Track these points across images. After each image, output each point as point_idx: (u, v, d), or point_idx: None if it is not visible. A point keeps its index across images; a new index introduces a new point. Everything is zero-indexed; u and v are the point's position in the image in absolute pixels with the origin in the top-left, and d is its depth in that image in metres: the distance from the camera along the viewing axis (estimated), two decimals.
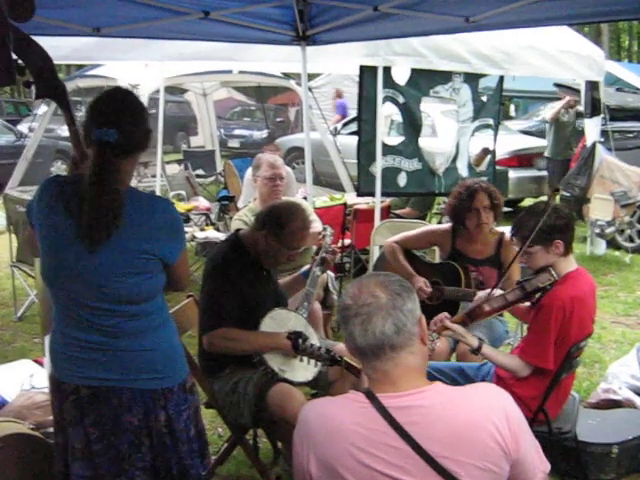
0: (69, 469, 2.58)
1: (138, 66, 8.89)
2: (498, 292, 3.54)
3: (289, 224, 3.61)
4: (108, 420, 2.53)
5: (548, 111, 11.61)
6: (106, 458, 2.54)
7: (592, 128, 8.88)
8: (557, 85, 11.54)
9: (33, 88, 2.70)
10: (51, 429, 3.64)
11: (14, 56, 2.58)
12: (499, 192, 4.56)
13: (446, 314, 3.47)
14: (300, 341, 3.42)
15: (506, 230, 4.77)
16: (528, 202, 11.24)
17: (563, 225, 3.35)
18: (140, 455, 2.56)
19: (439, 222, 8.59)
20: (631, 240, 9.37)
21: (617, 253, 9.22)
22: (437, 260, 5.03)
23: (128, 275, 2.45)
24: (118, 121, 2.43)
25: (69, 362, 2.54)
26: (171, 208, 2.60)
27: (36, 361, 4.71)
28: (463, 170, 7.43)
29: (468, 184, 4.50)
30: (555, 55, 7.38)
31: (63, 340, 2.55)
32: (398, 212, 8.13)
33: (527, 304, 3.64)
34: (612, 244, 9.32)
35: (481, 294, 3.67)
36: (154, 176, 10.45)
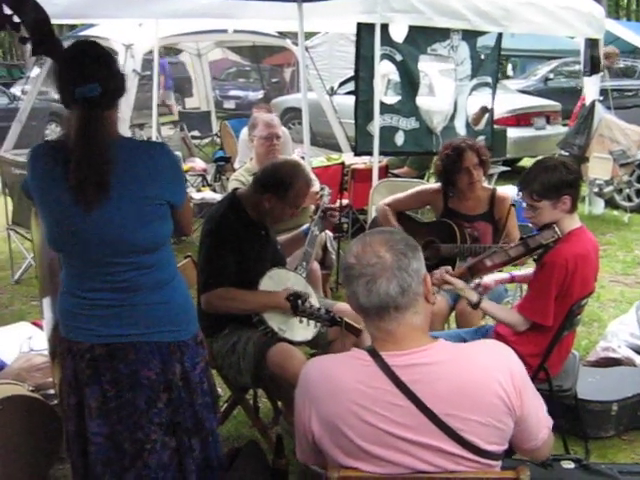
0: (84, 428, 2.57)
1: (132, 26, 8.78)
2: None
3: (294, 185, 3.58)
4: (125, 376, 2.52)
5: None
6: (123, 415, 2.54)
7: (591, 86, 8.81)
8: None
9: (29, 45, 2.64)
10: (51, 391, 3.66)
11: (9, 11, 2.52)
12: (485, 147, 4.54)
13: (448, 268, 3.45)
14: (299, 302, 3.39)
15: (505, 190, 4.76)
16: (527, 161, 11.20)
17: (572, 180, 3.29)
18: (156, 411, 2.55)
19: (437, 181, 8.55)
20: (629, 199, 9.33)
21: (615, 212, 9.19)
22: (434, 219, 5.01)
23: (140, 223, 2.42)
24: (96, 74, 2.36)
25: (83, 322, 2.51)
26: (168, 150, 2.55)
27: (34, 323, 4.70)
28: (461, 129, 7.37)
29: (454, 144, 4.46)
30: (555, 11, 7.28)
31: (75, 300, 2.53)
32: (396, 171, 8.08)
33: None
34: (610, 203, 9.30)
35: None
36: (150, 138, 10.40)
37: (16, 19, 2.58)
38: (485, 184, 4.60)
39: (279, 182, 3.57)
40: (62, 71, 2.42)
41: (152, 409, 2.55)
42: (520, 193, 3.45)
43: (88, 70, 2.36)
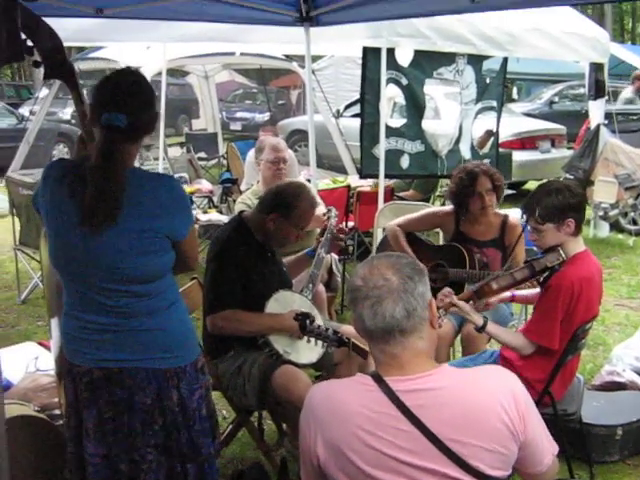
0: (82, 449, 2.59)
1: (140, 48, 8.86)
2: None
3: (297, 205, 3.61)
4: (121, 400, 2.53)
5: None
6: (119, 437, 2.55)
7: (596, 110, 8.85)
8: None
9: (42, 68, 2.68)
10: (56, 411, 3.67)
11: (23, 36, 2.56)
12: (499, 173, 4.55)
13: (449, 290, 3.45)
14: (308, 322, 3.41)
15: (510, 213, 4.77)
16: (532, 185, 11.22)
17: (576, 204, 3.31)
18: (152, 433, 2.56)
19: (442, 204, 8.58)
20: (634, 223, 9.31)
21: (620, 236, 9.17)
22: (441, 242, 5.02)
23: (136, 255, 2.42)
24: (128, 106, 2.38)
25: (81, 345, 2.53)
26: (175, 185, 2.55)
27: (40, 344, 4.71)
28: (466, 152, 7.40)
29: (469, 168, 4.48)
30: (560, 37, 7.34)
31: (75, 323, 2.55)
32: (401, 194, 8.11)
33: (535, 291, 3.65)
34: (615, 227, 9.28)
35: None
36: (156, 159, 10.47)
37: (29, 43, 2.62)
38: (498, 210, 4.60)
39: (283, 202, 3.60)
40: (99, 90, 2.45)
41: (148, 432, 2.56)
42: (524, 216, 3.47)
43: (120, 99, 2.39)
